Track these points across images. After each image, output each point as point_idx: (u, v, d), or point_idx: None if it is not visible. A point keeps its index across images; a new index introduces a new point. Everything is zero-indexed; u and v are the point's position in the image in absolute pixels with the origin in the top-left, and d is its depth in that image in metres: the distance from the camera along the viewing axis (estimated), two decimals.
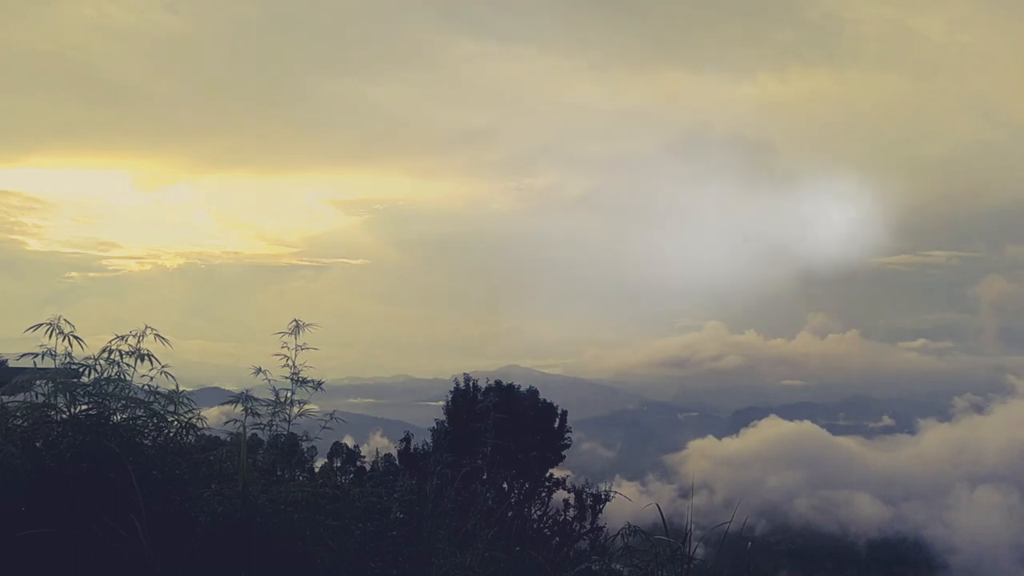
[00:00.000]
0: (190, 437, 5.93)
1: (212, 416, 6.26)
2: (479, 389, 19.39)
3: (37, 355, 5.54)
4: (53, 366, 5.56)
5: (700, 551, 5.86)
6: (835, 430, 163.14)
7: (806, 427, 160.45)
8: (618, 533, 6.03)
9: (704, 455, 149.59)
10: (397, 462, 17.52)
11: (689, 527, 5.89)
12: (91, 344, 5.68)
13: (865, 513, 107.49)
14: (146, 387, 5.79)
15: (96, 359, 5.64)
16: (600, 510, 16.48)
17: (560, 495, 17.43)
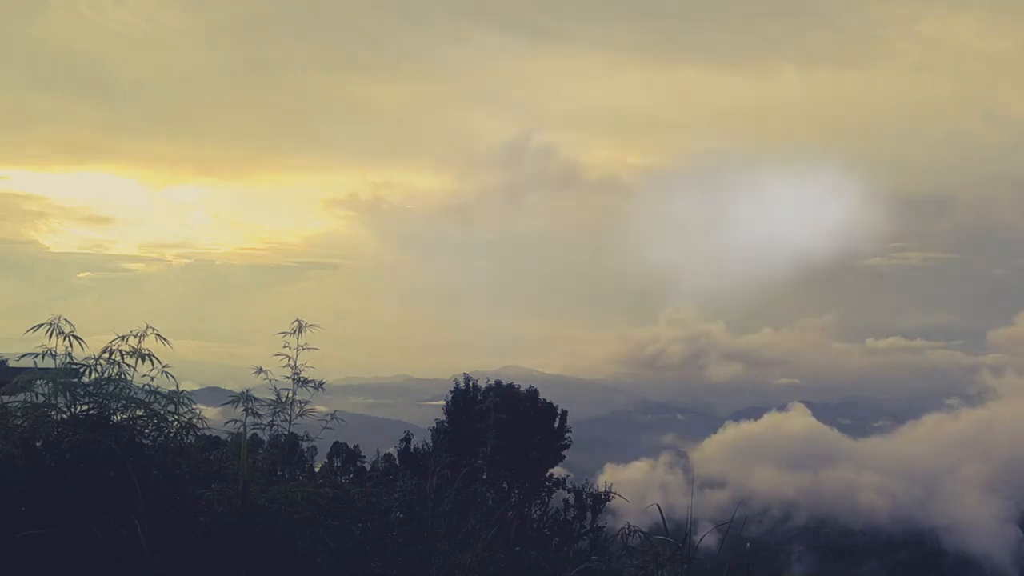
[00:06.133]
0: (190, 437, 5.94)
1: (212, 416, 6.27)
2: (479, 389, 19.40)
3: (37, 355, 5.54)
4: (54, 366, 5.57)
5: (703, 549, 5.87)
6: (836, 428, 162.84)
7: (808, 425, 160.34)
8: (618, 533, 6.04)
9: (705, 454, 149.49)
10: (397, 462, 17.54)
11: (689, 527, 5.89)
12: (97, 344, 5.71)
13: (869, 511, 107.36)
14: (146, 387, 5.80)
15: (97, 359, 5.64)
16: (600, 510, 16.49)
17: (560, 495, 17.45)
